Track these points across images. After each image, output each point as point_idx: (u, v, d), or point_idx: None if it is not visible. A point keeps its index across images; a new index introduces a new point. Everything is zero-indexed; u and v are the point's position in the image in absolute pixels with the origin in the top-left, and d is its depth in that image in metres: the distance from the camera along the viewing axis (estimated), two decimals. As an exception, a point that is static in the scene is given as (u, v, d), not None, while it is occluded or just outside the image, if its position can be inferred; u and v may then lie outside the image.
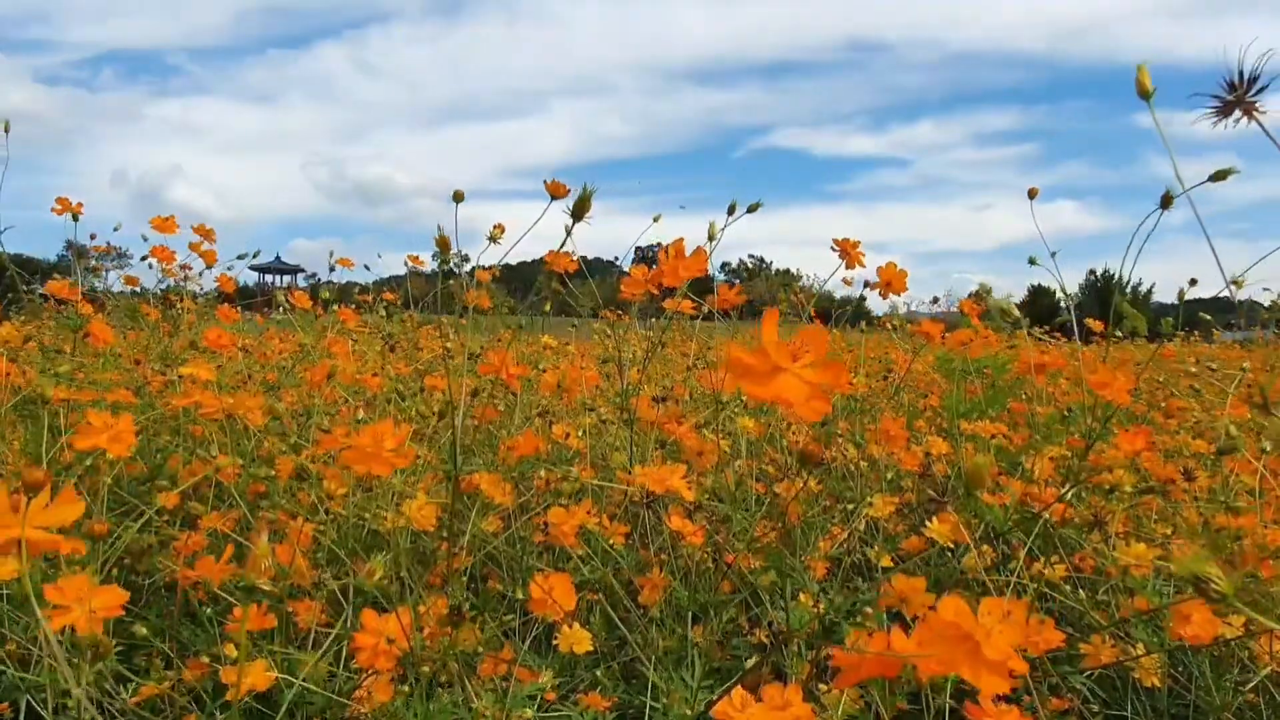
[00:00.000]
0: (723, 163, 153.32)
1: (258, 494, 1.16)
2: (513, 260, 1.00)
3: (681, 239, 1.00)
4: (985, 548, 1.04)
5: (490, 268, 1.58)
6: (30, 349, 1.62)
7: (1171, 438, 1.46)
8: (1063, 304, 1.10)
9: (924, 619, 0.48)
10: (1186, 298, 1.35)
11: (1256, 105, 0.60)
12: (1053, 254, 1.11)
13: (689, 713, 0.86)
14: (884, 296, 1.35)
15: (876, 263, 1.23)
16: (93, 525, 0.93)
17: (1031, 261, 1.17)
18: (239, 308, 1.99)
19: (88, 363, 1.51)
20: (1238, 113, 0.60)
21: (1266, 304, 1.97)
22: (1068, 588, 1.03)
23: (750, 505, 1.22)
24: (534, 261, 1.23)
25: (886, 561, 1.11)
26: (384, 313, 2.30)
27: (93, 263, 2.48)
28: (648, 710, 0.90)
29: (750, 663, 0.85)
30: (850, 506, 1.22)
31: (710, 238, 1.12)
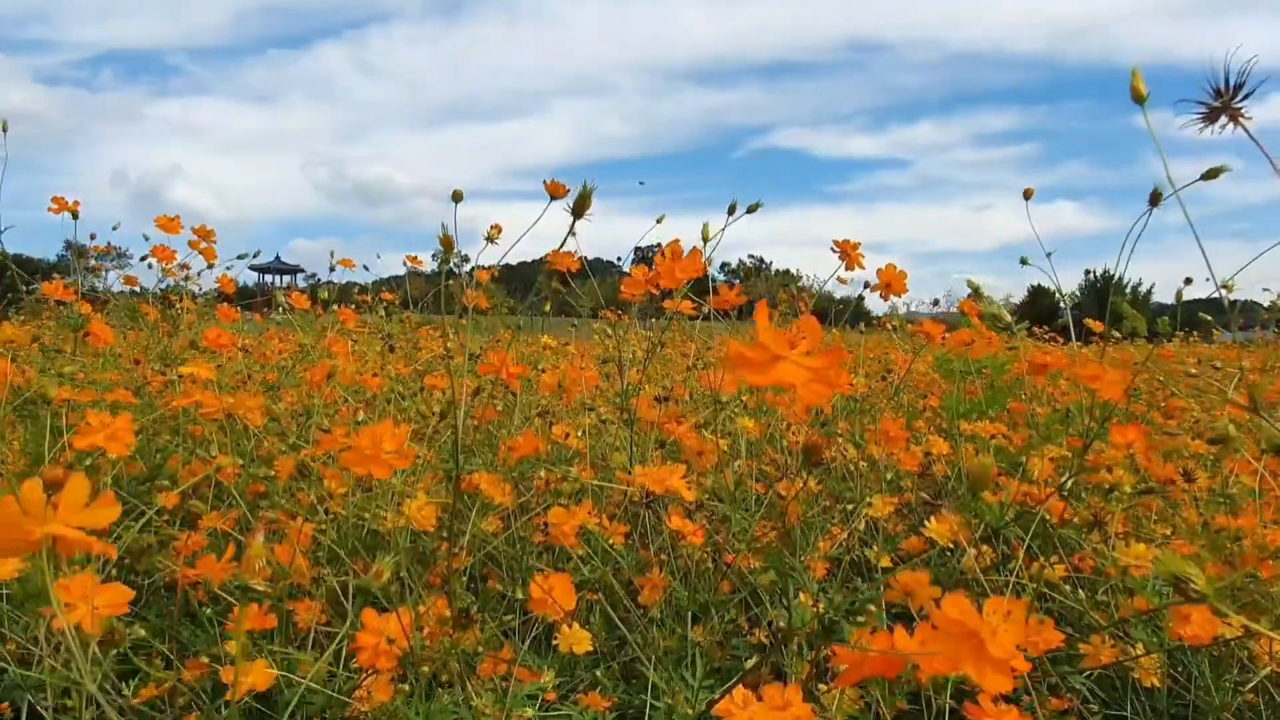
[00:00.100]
0: (723, 163, 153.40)
1: (257, 494, 1.16)
2: (512, 260, 1.01)
3: (678, 240, 1.00)
4: (985, 548, 1.05)
5: (490, 268, 1.58)
6: (31, 349, 1.62)
7: (1171, 438, 1.46)
8: (1062, 304, 1.11)
9: (927, 617, 0.48)
10: (1186, 298, 1.36)
11: (1242, 111, 0.60)
12: (1048, 254, 1.12)
13: (690, 713, 0.86)
14: (884, 298, 1.35)
15: (876, 263, 1.23)
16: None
17: (1023, 262, 1.17)
18: (239, 308, 1.99)
19: (88, 363, 1.51)
20: (1224, 119, 0.60)
21: (1266, 304, 1.97)
22: (1067, 588, 1.03)
23: (750, 505, 1.22)
24: (534, 261, 1.23)
25: (886, 562, 1.11)
26: (383, 313, 2.30)
27: (92, 262, 2.48)
28: (648, 710, 0.90)
29: (750, 663, 0.85)
30: (850, 507, 1.22)
31: (705, 239, 1.12)
